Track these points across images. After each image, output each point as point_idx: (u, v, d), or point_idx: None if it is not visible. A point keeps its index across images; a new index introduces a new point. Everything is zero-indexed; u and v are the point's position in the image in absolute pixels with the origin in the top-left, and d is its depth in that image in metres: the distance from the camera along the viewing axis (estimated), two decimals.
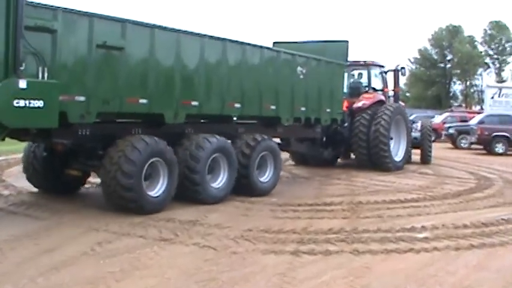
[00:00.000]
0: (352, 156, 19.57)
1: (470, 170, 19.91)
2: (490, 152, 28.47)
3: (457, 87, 78.79)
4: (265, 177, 12.98)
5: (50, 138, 9.61)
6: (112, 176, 9.60)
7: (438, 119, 39.50)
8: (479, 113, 39.00)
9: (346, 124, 18.45)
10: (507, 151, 28.30)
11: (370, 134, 18.25)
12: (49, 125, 8.68)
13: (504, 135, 28.37)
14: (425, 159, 21.51)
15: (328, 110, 15.99)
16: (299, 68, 14.43)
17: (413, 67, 77.22)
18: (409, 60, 77.05)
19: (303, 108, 14.72)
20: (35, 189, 11.90)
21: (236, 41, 12.40)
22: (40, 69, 8.49)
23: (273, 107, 13.56)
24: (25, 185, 12.07)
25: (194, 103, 11.27)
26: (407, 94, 76.13)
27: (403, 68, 21.22)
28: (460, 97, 78.47)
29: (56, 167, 11.19)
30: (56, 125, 8.64)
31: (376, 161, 18.38)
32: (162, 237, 8.53)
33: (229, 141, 12.08)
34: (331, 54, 16.29)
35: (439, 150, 27.57)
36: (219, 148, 11.46)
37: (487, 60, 76.04)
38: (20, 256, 7.29)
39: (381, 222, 10.25)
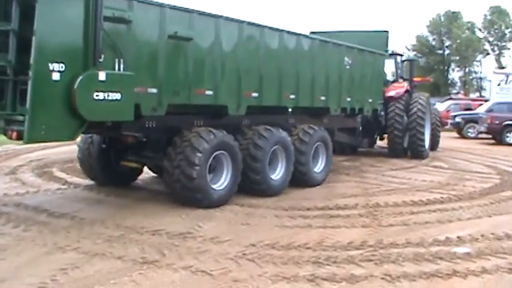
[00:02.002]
0: (377, 144, 20.26)
1: (488, 163, 18.27)
2: (501, 142, 26.78)
3: (455, 74, 77.15)
4: (318, 168, 13.08)
5: (119, 131, 9.42)
6: (177, 164, 9.56)
7: (441, 106, 37.75)
8: (485, 100, 37.31)
9: (382, 113, 18.57)
10: None
11: (404, 122, 18.62)
12: (125, 117, 8.52)
13: None
14: (434, 147, 20.78)
15: (370, 100, 16.31)
16: (346, 59, 14.54)
17: (411, 54, 75.41)
18: (406, 47, 75.27)
19: (348, 99, 14.91)
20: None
21: (293, 32, 12.49)
22: (116, 61, 8.30)
23: (323, 98, 13.69)
24: None
25: (254, 94, 11.34)
26: None
27: (419, 57, 21.63)
28: (459, 84, 76.86)
29: (112, 159, 11.29)
30: (131, 118, 8.51)
31: (412, 149, 18.81)
32: (144, 258, 6.81)
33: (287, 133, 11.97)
34: (372, 44, 16.46)
35: (445, 139, 25.92)
36: (279, 140, 11.48)
37: (487, 46, 74.38)
38: None
39: (409, 232, 8.61)
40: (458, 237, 8.31)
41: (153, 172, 12.63)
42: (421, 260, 7.12)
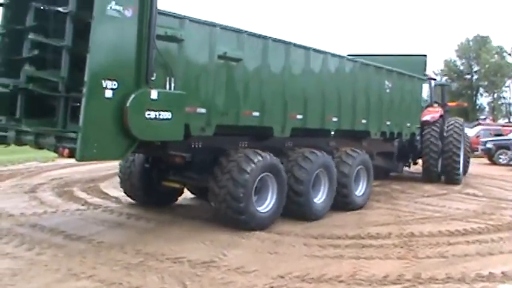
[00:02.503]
0: (405, 169, 19.69)
1: None
2: None
3: (483, 99, 76.11)
4: (360, 191, 12.96)
5: (166, 150, 9.31)
6: (223, 185, 9.44)
7: (470, 132, 36.83)
8: None
9: (418, 137, 18.43)
10: None
11: (440, 146, 18.38)
12: (175, 137, 8.37)
13: None
14: (464, 173, 19.70)
15: (408, 124, 16.34)
16: (386, 82, 14.54)
17: (443, 79, 74.55)
18: (434, 72, 74.42)
19: (388, 122, 14.89)
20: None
21: (337, 54, 12.49)
22: (167, 80, 8.30)
23: (364, 121, 13.64)
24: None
25: (299, 116, 11.29)
26: None
27: (450, 82, 21.31)
28: (487, 109, 75.74)
29: (153, 179, 11.13)
30: (181, 138, 8.38)
31: (447, 173, 18.55)
32: None
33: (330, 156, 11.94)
34: (410, 68, 16.35)
35: (475, 166, 25.23)
36: (323, 162, 11.37)
37: None
38: None
39: (448, 266, 8.01)
40: (502, 272, 7.70)
41: (192, 193, 12.47)
42: None
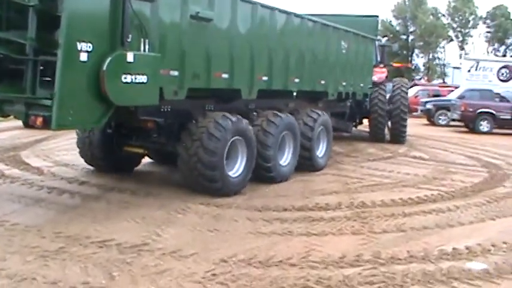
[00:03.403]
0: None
1: (468, 154, 17.07)
2: (473, 130, 25.68)
3: (419, 60, 76.39)
4: (321, 152, 12.92)
5: (136, 116, 8.78)
6: (193, 152, 9.07)
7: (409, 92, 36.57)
8: (455, 87, 36.20)
9: (367, 98, 18.22)
10: (492, 129, 25.58)
11: (387, 107, 18.49)
12: (151, 102, 8.06)
13: (489, 112, 25.64)
14: (398, 139, 19.02)
15: (361, 85, 16.25)
16: (342, 42, 14.38)
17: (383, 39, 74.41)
18: None
19: (344, 83, 14.74)
20: None
21: (299, 14, 12.11)
22: (141, 41, 7.77)
23: (323, 82, 13.44)
24: None
25: (265, 78, 10.97)
26: None
27: (392, 43, 21.35)
28: (422, 70, 76.13)
29: (114, 145, 10.52)
30: (157, 102, 8.14)
31: (394, 134, 18.84)
32: (87, 284, 5.30)
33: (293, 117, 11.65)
34: (363, 29, 16.22)
35: (415, 126, 24.94)
36: (288, 125, 11.16)
37: (450, 33, 73.84)
38: None
39: (408, 241, 7.29)
40: (466, 247, 7.02)
41: (151, 159, 11.95)
42: (434, 282, 5.78)
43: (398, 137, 18.73)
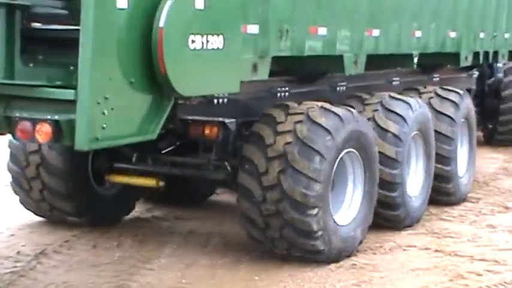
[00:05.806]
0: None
1: None
2: None
3: None
4: (461, 169, 7.79)
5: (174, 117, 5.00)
6: (271, 182, 5.01)
7: None
8: None
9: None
10: None
11: None
12: (230, 87, 4.61)
13: None
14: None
15: (506, 36, 9.44)
16: None
17: None
18: None
19: (482, 35, 8.62)
20: None
21: None
22: None
23: (453, 35, 7.90)
24: None
25: (375, 33, 6.35)
26: None
27: None
28: None
29: (97, 171, 6.10)
30: (237, 89, 4.56)
31: None
32: None
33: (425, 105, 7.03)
34: None
35: None
36: (419, 119, 6.59)
37: None
38: None
39: None
40: None
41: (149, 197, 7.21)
42: None
43: None
